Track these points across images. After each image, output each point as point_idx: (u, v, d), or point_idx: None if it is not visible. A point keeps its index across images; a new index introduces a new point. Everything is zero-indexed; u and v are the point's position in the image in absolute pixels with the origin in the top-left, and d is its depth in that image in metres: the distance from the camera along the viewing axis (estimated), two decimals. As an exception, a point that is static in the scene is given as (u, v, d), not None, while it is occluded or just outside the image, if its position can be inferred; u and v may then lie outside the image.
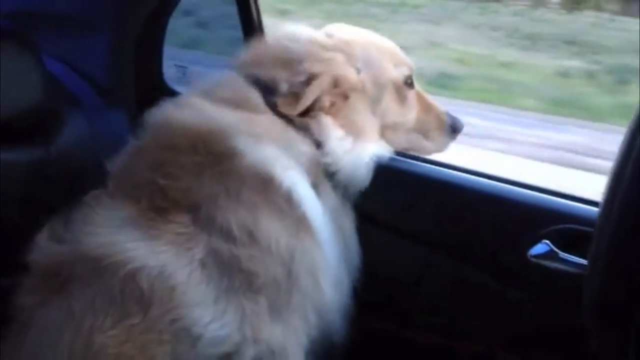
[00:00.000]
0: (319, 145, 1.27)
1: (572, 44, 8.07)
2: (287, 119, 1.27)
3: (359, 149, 1.31)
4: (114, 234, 1.12)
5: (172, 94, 1.40)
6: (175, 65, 1.86)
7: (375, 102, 1.37)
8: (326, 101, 1.28)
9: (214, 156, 1.18)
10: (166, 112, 1.26)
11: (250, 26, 1.83)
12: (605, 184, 0.95)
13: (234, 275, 1.12)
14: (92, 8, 1.69)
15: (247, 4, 1.81)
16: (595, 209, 1.25)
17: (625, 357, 0.92)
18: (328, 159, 1.27)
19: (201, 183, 1.16)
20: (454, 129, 1.47)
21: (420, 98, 1.46)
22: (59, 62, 1.64)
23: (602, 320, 0.97)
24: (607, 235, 0.93)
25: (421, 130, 1.46)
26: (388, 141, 1.42)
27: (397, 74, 1.41)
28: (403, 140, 1.44)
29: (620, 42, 7.74)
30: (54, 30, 1.65)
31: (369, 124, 1.36)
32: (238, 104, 1.26)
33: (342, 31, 1.42)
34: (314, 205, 1.24)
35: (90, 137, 1.50)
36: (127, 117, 1.57)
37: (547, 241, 1.26)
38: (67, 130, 1.45)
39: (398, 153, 1.43)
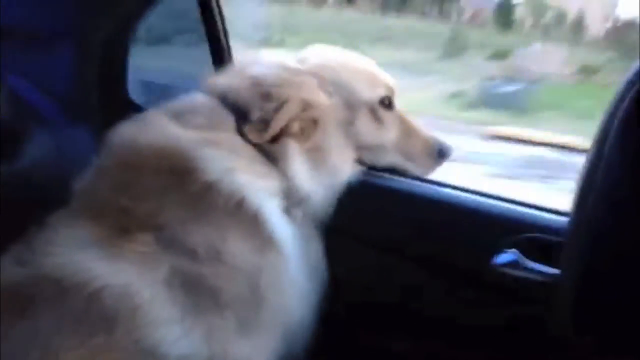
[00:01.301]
0: (285, 171, 1.28)
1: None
2: (257, 146, 1.27)
3: (324, 177, 1.32)
4: (75, 253, 1.12)
5: (138, 109, 1.39)
6: (141, 80, 1.84)
7: (348, 125, 1.38)
8: (295, 127, 1.28)
9: (179, 177, 1.18)
10: (132, 131, 1.26)
11: (219, 52, 1.83)
12: (575, 193, 0.96)
13: (199, 293, 1.13)
14: (55, 23, 1.67)
15: (216, 28, 1.81)
16: (558, 218, 1.28)
17: None
18: (293, 186, 1.28)
19: (165, 204, 1.16)
20: (441, 153, 1.47)
21: (402, 121, 1.46)
22: (23, 78, 1.62)
23: (578, 327, 0.97)
24: (579, 243, 0.94)
25: (403, 152, 1.46)
26: (368, 161, 1.43)
27: (372, 95, 1.41)
28: (384, 161, 1.45)
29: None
30: (17, 46, 1.63)
31: (341, 147, 1.37)
32: (208, 127, 1.26)
33: (316, 54, 1.43)
34: (281, 227, 1.25)
35: (55, 154, 1.49)
36: (92, 134, 1.56)
37: (513, 250, 1.27)
38: (31, 148, 1.44)
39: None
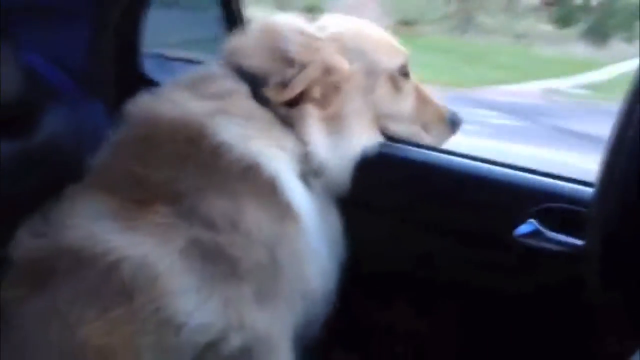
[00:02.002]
0: (302, 137, 1.26)
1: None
2: (275, 112, 1.26)
3: (342, 145, 1.31)
4: (93, 226, 1.12)
5: (152, 84, 1.38)
6: (155, 54, 1.83)
7: (368, 92, 1.36)
8: (316, 92, 1.26)
9: (194, 147, 1.17)
10: (147, 104, 1.26)
11: (233, 17, 1.82)
12: (602, 159, 0.93)
13: (216, 262, 1.13)
14: (70, -1, 1.66)
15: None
16: (576, 186, 1.26)
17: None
18: (310, 153, 1.26)
19: (181, 174, 1.16)
20: (454, 123, 1.47)
21: (417, 90, 1.45)
22: (37, 54, 1.62)
23: (606, 294, 0.96)
24: (606, 210, 0.92)
25: (419, 121, 1.45)
26: (385, 130, 1.42)
27: (392, 63, 1.40)
28: (402, 131, 1.44)
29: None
30: (32, 22, 1.62)
31: (361, 115, 1.35)
32: (223, 97, 1.25)
33: (333, 22, 1.41)
34: (299, 195, 1.24)
35: (71, 128, 1.48)
36: (107, 108, 1.55)
37: (533, 220, 1.26)
38: (47, 122, 1.43)
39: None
